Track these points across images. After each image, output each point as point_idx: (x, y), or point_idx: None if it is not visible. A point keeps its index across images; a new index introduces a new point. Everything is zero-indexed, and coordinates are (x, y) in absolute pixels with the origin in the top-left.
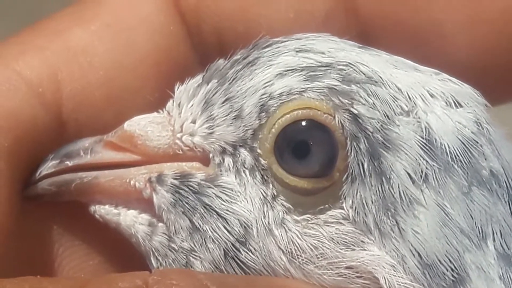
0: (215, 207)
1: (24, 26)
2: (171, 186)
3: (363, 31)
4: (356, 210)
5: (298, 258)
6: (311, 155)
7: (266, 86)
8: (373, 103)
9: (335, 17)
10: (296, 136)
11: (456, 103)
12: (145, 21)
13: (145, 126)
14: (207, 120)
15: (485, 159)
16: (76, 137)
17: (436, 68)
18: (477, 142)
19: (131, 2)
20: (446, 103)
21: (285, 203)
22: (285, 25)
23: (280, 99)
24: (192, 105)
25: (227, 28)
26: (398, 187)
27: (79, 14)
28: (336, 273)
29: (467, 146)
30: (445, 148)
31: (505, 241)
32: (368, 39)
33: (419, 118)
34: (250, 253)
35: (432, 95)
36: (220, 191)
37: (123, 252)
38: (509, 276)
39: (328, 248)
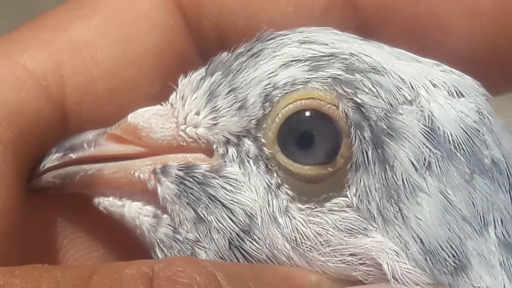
0: (220, 197)
1: (22, 23)
2: (176, 177)
3: (362, 24)
4: (360, 197)
5: (302, 245)
6: (315, 145)
7: (270, 77)
8: (377, 92)
9: (334, 10)
10: (300, 126)
11: (458, 93)
12: (145, 15)
13: (149, 118)
14: (211, 112)
15: (487, 148)
16: (79, 130)
17: (436, 60)
18: (478, 131)
19: None
20: (449, 92)
21: (289, 192)
22: (284, 19)
23: (284, 89)
24: (196, 97)
25: (227, 21)
26: (402, 175)
27: (79, 10)
28: (339, 260)
29: (469, 134)
30: (448, 136)
31: (506, 228)
32: (367, 32)
33: (422, 107)
34: (255, 243)
35: (434, 85)
36: (225, 182)
37: (127, 244)
38: (510, 263)
39: (332, 236)
